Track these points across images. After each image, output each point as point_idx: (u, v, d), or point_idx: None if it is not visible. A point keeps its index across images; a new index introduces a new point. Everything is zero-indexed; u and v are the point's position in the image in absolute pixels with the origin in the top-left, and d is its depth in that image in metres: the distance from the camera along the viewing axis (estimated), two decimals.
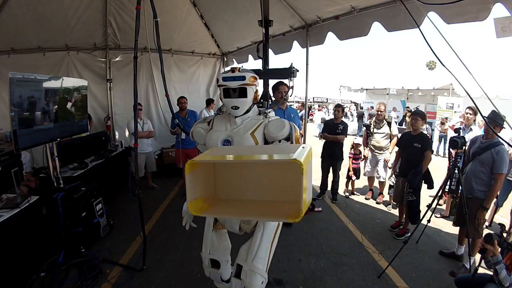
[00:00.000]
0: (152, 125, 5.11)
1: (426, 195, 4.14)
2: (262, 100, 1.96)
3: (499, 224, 2.22)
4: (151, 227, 3.60)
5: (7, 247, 2.29)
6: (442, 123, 9.08)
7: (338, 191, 4.58)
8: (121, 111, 5.74)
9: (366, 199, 4.68)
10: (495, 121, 2.59)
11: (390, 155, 4.32)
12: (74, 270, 2.63)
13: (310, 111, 17.92)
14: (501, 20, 2.16)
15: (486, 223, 3.51)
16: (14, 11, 3.98)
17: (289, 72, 1.78)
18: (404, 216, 3.54)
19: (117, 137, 5.70)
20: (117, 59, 5.59)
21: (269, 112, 1.78)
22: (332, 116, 5.25)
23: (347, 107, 18.34)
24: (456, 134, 2.81)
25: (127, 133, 5.58)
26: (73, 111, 3.48)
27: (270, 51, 4.37)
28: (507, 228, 2.86)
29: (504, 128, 2.64)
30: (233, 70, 1.61)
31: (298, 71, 2.02)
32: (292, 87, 2.03)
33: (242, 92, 1.61)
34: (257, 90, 1.68)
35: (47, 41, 4.83)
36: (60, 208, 2.77)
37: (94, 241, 3.11)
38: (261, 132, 1.62)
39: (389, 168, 4.27)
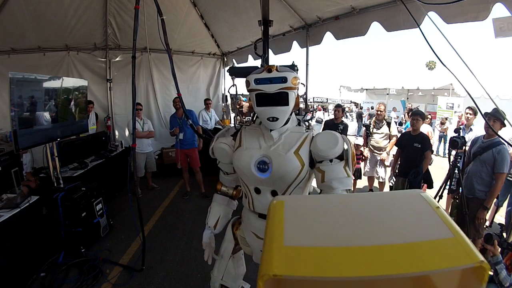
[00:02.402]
0: (152, 125, 5.11)
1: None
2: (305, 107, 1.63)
3: (499, 224, 2.22)
4: (151, 227, 3.60)
5: (7, 247, 2.29)
6: (442, 123, 9.09)
7: None
8: (121, 111, 5.75)
9: None
10: (494, 115, 2.59)
11: (388, 156, 4.31)
12: (74, 270, 2.64)
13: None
14: (499, 20, 2.17)
15: (487, 223, 3.51)
16: (14, 11, 3.99)
17: (293, 70, 1.56)
18: None
19: (117, 137, 5.70)
20: (117, 59, 5.60)
21: (310, 120, 1.44)
22: (329, 116, 5.23)
23: (347, 107, 18.33)
24: (456, 134, 2.81)
25: (127, 133, 5.59)
26: (73, 111, 3.48)
27: (270, 51, 4.37)
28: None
29: (505, 126, 2.64)
30: (269, 69, 1.22)
31: (298, 69, 1.92)
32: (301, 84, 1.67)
33: (282, 98, 1.22)
34: (298, 95, 1.30)
35: (47, 41, 4.83)
36: (60, 208, 2.77)
37: (94, 241, 3.11)
38: (306, 150, 1.25)
39: (387, 166, 4.26)
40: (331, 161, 1.23)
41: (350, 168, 1.24)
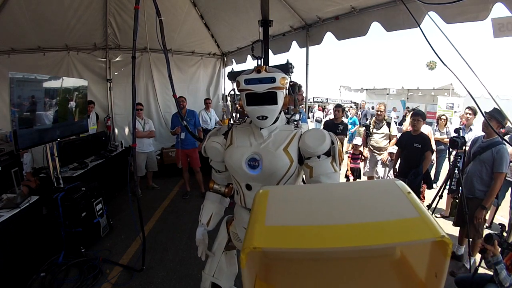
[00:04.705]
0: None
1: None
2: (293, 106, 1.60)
3: (499, 224, 2.22)
4: (151, 227, 3.60)
5: (7, 247, 2.29)
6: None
7: None
8: (121, 111, 5.75)
9: None
10: (491, 114, 2.59)
11: (387, 155, 4.31)
12: (74, 270, 2.64)
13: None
14: (498, 20, 2.16)
15: (486, 224, 3.51)
16: (14, 11, 3.99)
17: (287, 69, 1.57)
18: None
19: (117, 137, 5.71)
20: (117, 59, 5.60)
21: (299, 119, 1.47)
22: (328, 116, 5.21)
23: (349, 107, 18.29)
24: (456, 134, 2.81)
25: (126, 132, 5.63)
26: (74, 111, 3.49)
27: (269, 51, 4.37)
28: (507, 228, 2.86)
29: (504, 127, 2.64)
30: (258, 70, 1.27)
31: (294, 67, 1.91)
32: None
33: (271, 98, 1.27)
34: (287, 94, 1.36)
35: (47, 41, 4.84)
36: (60, 208, 2.78)
37: (94, 241, 3.11)
38: (295, 147, 1.31)
39: (387, 166, 4.26)
40: (319, 157, 1.28)
41: (337, 163, 1.29)
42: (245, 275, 0.67)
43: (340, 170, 1.33)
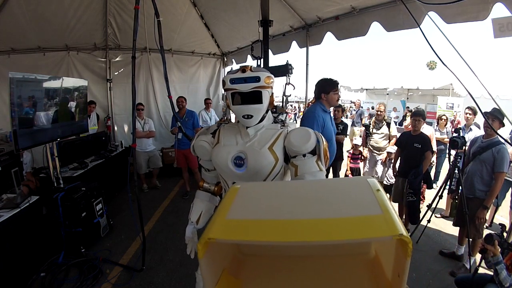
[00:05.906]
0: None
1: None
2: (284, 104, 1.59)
3: (500, 224, 2.21)
4: (151, 227, 3.60)
5: (7, 247, 2.29)
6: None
7: None
8: (121, 111, 5.75)
9: None
10: (494, 115, 2.59)
11: (387, 155, 4.31)
12: (74, 270, 2.64)
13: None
14: (499, 20, 2.16)
15: (486, 224, 3.51)
16: (14, 11, 3.98)
17: (287, 70, 1.56)
18: (404, 216, 3.54)
19: (117, 137, 5.71)
20: (117, 59, 5.60)
21: (286, 118, 1.47)
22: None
23: (349, 107, 18.30)
24: (456, 134, 2.81)
25: (126, 129, 5.67)
26: (74, 111, 3.49)
27: (269, 51, 4.37)
28: (507, 228, 2.86)
29: (504, 125, 2.64)
30: (243, 69, 1.30)
31: (293, 68, 1.89)
32: (289, 84, 1.74)
33: (256, 97, 1.30)
34: (272, 94, 1.37)
35: (47, 41, 4.83)
36: (60, 208, 2.78)
37: (94, 241, 3.12)
38: (280, 146, 1.33)
39: (385, 165, 4.26)
40: (304, 156, 1.29)
41: (322, 162, 1.31)
42: (203, 266, 0.69)
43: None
